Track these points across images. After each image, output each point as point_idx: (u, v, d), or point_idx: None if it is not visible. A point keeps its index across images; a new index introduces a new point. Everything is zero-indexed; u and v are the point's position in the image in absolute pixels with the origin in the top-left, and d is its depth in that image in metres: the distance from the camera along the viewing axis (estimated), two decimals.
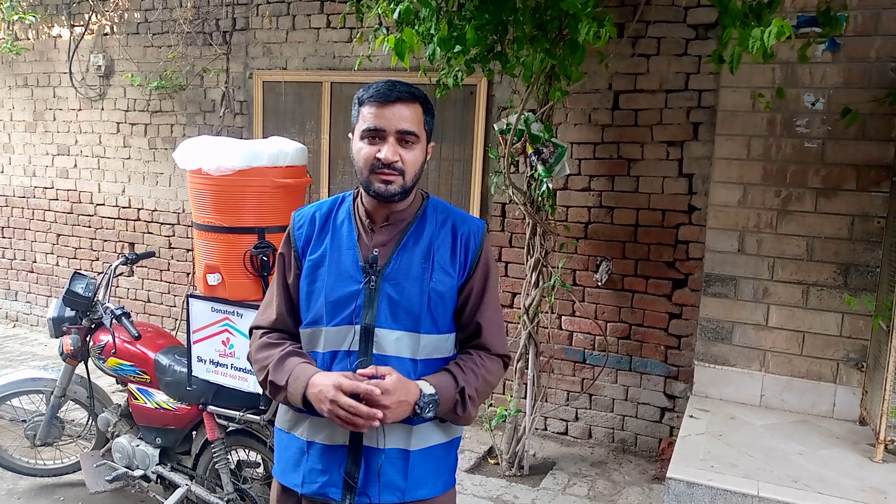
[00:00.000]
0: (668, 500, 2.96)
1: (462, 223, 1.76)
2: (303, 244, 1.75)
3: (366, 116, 1.63)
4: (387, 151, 1.61)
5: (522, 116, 3.68)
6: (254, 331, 1.82)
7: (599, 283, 4.25)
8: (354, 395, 1.54)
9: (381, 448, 1.65)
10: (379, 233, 1.71)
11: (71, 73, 5.98)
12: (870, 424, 3.43)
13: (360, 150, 1.64)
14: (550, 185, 3.79)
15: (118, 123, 5.90)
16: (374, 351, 1.65)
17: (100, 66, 5.81)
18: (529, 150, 3.75)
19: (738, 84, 3.70)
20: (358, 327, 1.65)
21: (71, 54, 5.95)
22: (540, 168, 3.71)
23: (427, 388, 1.61)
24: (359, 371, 1.58)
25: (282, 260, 1.80)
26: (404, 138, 1.63)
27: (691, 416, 3.62)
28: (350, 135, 1.71)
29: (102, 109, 5.96)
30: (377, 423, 1.53)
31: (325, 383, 1.56)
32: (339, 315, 1.67)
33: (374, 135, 1.62)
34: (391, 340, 1.65)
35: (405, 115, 1.62)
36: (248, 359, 1.82)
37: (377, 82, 1.66)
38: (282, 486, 1.77)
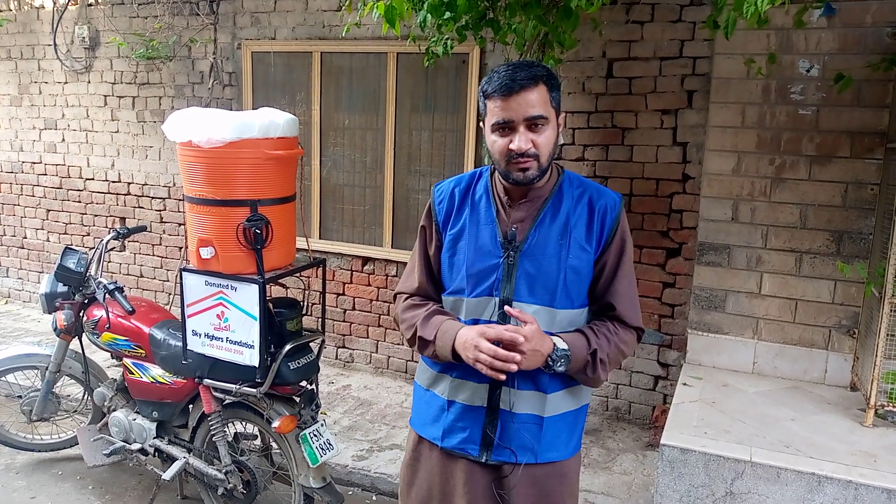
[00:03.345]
0: (662, 467, 3.00)
1: (598, 197, 1.79)
2: (443, 218, 1.86)
3: (493, 110, 1.67)
4: (519, 141, 1.65)
5: None
6: (398, 296, 1.97)
7: None
8: (497, 344, 1.63)
9: (517, 412, 1.75)
10: (517, 209, 1.78)
11: (56, 45, 5.86)
12: (860, 390, 3.48)
13: (494, 142, 1.69)
14: None
15: (105, 96, 5.81)
16: (513, 323, 1.70)
17: (85, 37, 5.70)
18: None
19: (732, 51, 3.67)
20: (497, 299, 1.74)
21: (55, 26, 5.84)
22: None
23: (560, 343, 1.68)
24: (505, 308, 1.67)
25: (423, 232, 1.91)
26: (534, 123, 1.66)
27: (685, 384, 3.65)
28: (481, 124, 1.76)
29: (89, 82, 5.86)
30: (514, 368, 1.60)
31: (470, 333, 1.66)
32: (480, 287, 1.76)
33: (504, 126, 1.66)
34: (529, 314, 1.70)
35: (531, 101, 1.64)
36: (395, 320, 1.95)
37: (499, 72, 1.67)
38: (419, 436, 1.91)
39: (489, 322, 1.74)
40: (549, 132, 1.68)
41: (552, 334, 1.71)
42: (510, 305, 1.72)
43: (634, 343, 1.84)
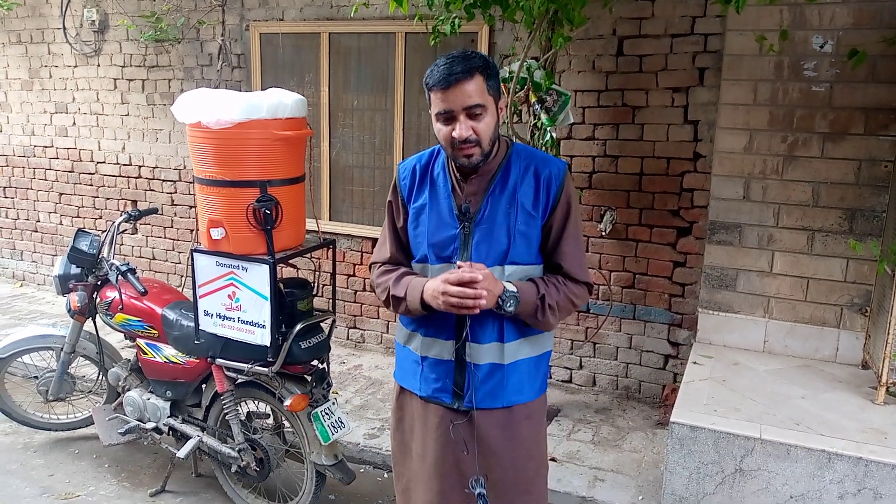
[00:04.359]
0: (672, 444, 3.01)
1: (544, 166, 1.96)
2: (407, 193, 2.05)
3: (435, 101, 1.84)
4: (460, 129, 1.81)
5: (525, 64, 3.61)
6: (372, 266, 2.17)
7: (604, 233, 4.24)
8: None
9: (480, 363, 1.95)
10: (469, 184, 1.95)
11: (65, 28, 5.87)
12: (872, 368, 3.46)
13: (439, 130, 1.87)
14: (554, 135, 3.74)
15: (115, 80, 5.82)
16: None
17: (94, 20, 5.70)
18: (532, 99, 3.69)
19: (744, 27, 3.62)
20: (456, 266, 1.90)
21: (63, 9, 5.84)
22: (543, 117, 3.67)
23: (510, 286, 1.88)
24: (457, 263, 1.86)
25: (390, 206, 2.10)
26: (472, 112, 1.82)
27: (695, 363, 3.66)
28: (430, 111, 1.90)
29: (98, 66, 5.87)
30: (483, 303, 1.79)
31: (435, 283, 1.87)
32: (441, 255, 1.97)
33: (446, 116, 1.83)
34: (479, 264, 1.88)
35: (468, 92, 1.80)
36: (372, 286, 2.16)
37: (438, 65, 1.82)
38: (401, 387, 2.14)
39: None
40: (487, 118, 1.84)
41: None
42: None
43: (585, 295, 2.03)
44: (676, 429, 3.00)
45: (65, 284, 3.43)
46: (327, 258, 3.22)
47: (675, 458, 3.02)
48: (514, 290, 1.87)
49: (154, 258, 5.98)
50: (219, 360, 3.01)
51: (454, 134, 1.82)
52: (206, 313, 2.94)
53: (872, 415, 3.11)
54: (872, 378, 3.41)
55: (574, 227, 1.97)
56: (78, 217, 6.27)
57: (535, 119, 3.76)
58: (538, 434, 2.09)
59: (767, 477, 2.88)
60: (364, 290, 5.12)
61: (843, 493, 2.78)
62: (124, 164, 5.93)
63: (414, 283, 1.95)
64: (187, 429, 3.24)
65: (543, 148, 3.74)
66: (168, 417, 3.27)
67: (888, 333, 3.15)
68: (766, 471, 2.88)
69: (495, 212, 1.93)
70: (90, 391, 3.88)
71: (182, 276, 5.74)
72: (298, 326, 2.86)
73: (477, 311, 1.81)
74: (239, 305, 2.86)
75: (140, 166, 5.86)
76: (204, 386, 3.24)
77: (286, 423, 3.26)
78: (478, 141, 1.83)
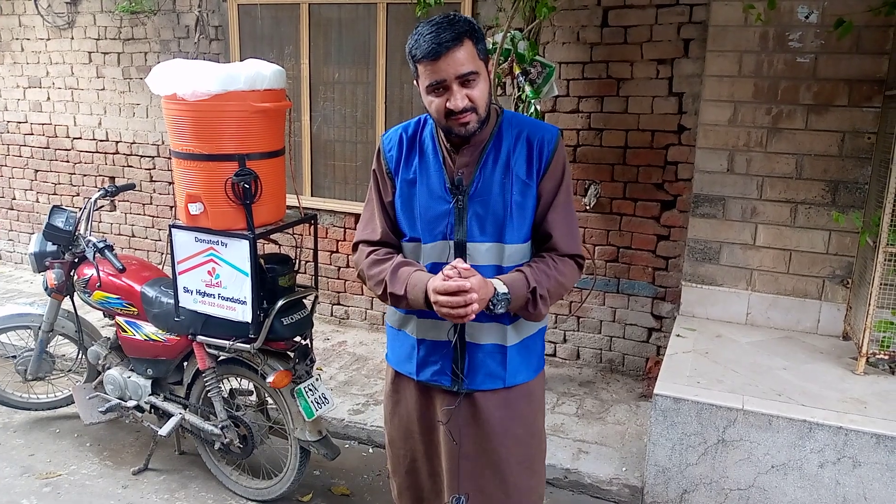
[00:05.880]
0: (655, 416, 3.03)
1: (536, 132, 1.87)
2: (394, 165, 1.92)
3: (424, 74, 1.73)
4: (456, 100, 1.71)
5: (509, 35, 3.56)
6: (359, 245, 2.01)
7: (588, 207, 4.22)
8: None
9: (482, 343, 1.90)
10: (461, 154, 1.85)
11: None
12: (853, 339, 3.50)
13: (431, 102, 1.76)
14: (539, 107, 3.70)
15: (90, 53, 5.68)
16: (468, 263, 1.81)
17: None
18: (517, 71, 3.65)
19: None
20: (452, 243, 1.85)
21: None
22: (528, 89, 3.62)
23: (501, 287, 1.78)
24: (444, 272, 1.73)
25: (375, 178, 1.97)
26: (466, 79, 1.72)
27: (678, 335, 3.67)
28: (415, 82, 1.81)
29: (72, 38, 5.72)
30: (476, 308, 1.70)
31: (431, 285, 1.75)
32: (434, 232, 1.87)
33: (438, 87, 1.72)
34: (482, 251, 1.85)
35: (459, 60, 1.69)
36: (359, 275, 1.99)
37: (423, 34, 1.71)
38: (396, 371, 2.05)
39: (447, 264, 1.81)
40: (481, 84, 1.74)
41: (500, 268, 1.85)
42: (464, 246, 1.85)
43: (575, 273, 1.92)
44: (660, 401, 3.02)
45: (41, 262, 3.36)
46: (309, 234, 3.17)
47: (658, 430, 3.04)
48: (506, 290, 1.77)
49: (133, 235, 5.89)
50: (200, 337, 2.97)
51: (450, 105, 1.71)
52: (186, 290, 2.89)
53: (853, 385, 3.14)
54: (853, 349, 3.44)
55: (566, 196, 1.88)
56: (55, 194, 6.15)
57: (519, 91, 3.72)
58: (538, 411, 2.05)
59: (749, 447, 2.91)
60: (347, 266, 5.08)
61: (823, 461, 2.81)
62: (101, 140, 5.81)
63: (413, 279, 1.81)
64: (169, 406, 3.21)
65: None
66: (149, 395, 3.23)
67: (869, 304, 3.18)
68: (748, 441, 2.90)
69: (490, 183, 1.83)
70: (70, 370, 3.82)
71: (162, 254, 5.66)
72: (280, 302, 2.83)
73: (471, 318, 1.71)
74: (219, 282, 2.81)
75: (117, 142, 5.74)
76: (185, 363, 3.20)
77: (269, 400, 3.24)
78: (474, 108, 1.73)
